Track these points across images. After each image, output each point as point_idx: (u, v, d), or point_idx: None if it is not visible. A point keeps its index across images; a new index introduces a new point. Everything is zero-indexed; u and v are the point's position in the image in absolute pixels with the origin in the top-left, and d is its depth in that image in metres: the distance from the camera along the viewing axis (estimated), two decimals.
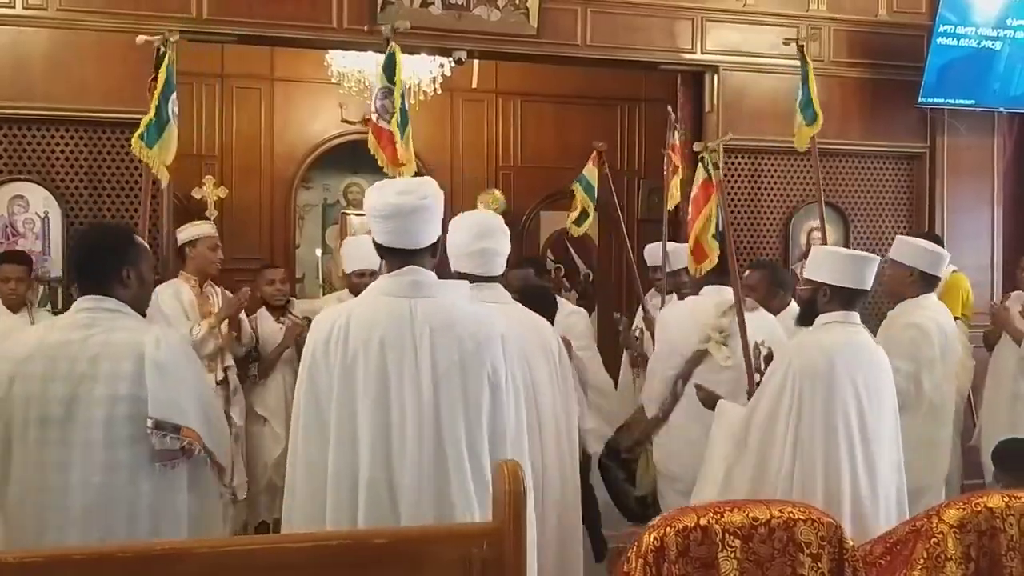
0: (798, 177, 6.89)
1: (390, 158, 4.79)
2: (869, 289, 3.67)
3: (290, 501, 2.74)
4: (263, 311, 5.63)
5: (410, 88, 7.37)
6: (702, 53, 6.70)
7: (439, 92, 8.05)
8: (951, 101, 6.91)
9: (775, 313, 4.68)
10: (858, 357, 3.58)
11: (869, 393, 3.55)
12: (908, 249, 4.64)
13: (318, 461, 2.66)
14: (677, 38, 6.67)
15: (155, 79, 4.81)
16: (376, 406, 2.63)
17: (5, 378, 2.80)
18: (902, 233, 6.29)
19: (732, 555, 2.58)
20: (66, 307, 5.07)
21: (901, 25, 6.99)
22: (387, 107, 4.80)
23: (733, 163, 6.77)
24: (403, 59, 5.03)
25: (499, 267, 3.54)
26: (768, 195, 6.94)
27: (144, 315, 3.06)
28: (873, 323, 4.57)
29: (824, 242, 5.70)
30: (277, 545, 1.83)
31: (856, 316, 3.64)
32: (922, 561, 2.87)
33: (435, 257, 2.86)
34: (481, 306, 2.97)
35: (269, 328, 5.56)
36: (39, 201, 5.65)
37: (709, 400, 4.10)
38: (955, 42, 6.72)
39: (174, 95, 4.85)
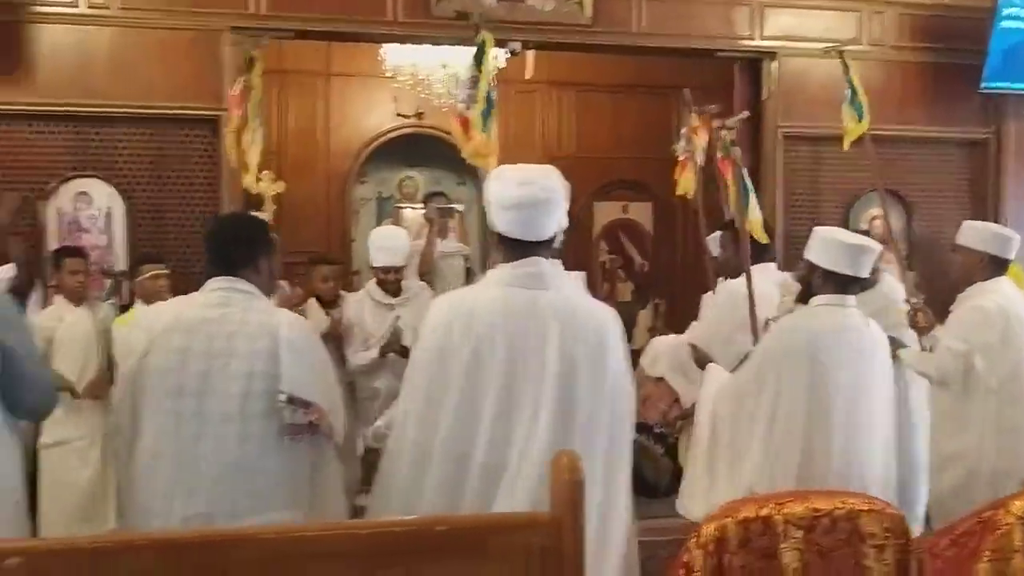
0: (858, 164, 6.76)
1: (469, 147, 4.93)
2: (864, 277, 3.58)
3: (390, 474, 2.73)
4: (312, 302, 5.66)
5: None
6: (760, 39, 6.62)
7: (494, 83, 8.04)
8: (1015, 86, 6.75)
9: None
10: (844, 340, 3.45)
11: (854, 375, 3.43)
12: (976, 234, 4.54)
13: (426, 442, 2.65)
14: (734, 24, 6.60)
15: (246, 83, 5.04)
16: (501, 394, 2.61)
17: (140, 349, 2.91)
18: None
19: (795, 546, 2.56)
20: (131, 301, 5.24)
21: (963, 8, 6.82)
22: (473, 96, 4.89)
23: (792, 151, 6.70)
24: (468, 50, 5.20)
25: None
26: (828, 183, 6.84)
27: None
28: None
29: (887, 230, 5.57)
30: (335, 532, 1.83)
31: (851, 299, 3.52)
32: (988, 553, 2.82)
33: (553, 249, 2.80)
34: (594, 299, 2.95)
35: (316, 319, 5.58)
36: (103, 197, 5.77)
37: (701, 361, 4.11)
38: (1019, 25, 6.58)
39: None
